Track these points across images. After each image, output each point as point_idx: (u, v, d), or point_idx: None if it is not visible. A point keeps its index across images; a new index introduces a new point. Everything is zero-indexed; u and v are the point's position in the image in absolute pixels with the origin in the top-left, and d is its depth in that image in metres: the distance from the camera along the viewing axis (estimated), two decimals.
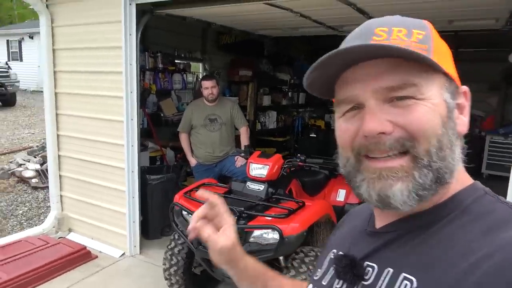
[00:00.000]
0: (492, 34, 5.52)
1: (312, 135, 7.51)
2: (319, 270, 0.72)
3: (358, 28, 0.61)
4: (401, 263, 0.56)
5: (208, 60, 5.73)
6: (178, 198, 2.88)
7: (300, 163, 3.06)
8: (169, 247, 3.00)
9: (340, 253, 0.67)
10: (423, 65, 0.54)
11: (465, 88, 0.61)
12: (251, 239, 2.53)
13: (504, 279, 0.45)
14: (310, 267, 2.55)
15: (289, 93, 7.25)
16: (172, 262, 2.95)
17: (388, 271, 0.57)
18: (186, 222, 2.80)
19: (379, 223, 0.64)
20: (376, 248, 0.61)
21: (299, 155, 3.10)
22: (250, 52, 6.03)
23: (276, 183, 2.92)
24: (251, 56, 6.18)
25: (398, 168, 0.54)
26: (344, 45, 0.57)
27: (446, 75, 0.57)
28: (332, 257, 0.70)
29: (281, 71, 6.85)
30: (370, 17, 3.88)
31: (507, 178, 2.42)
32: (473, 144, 7.12)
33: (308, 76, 0.60)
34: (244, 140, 3.91)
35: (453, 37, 6.24)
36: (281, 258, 2.61)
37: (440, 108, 0.55)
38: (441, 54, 0.57)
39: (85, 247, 3.76)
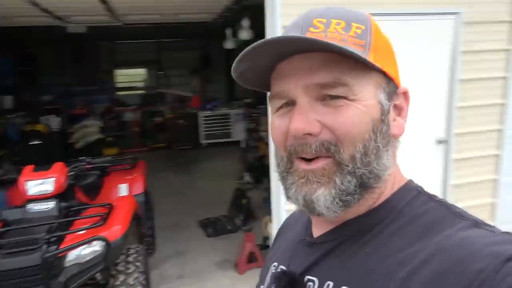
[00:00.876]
0: (191, 26, 6.49)
1: (36, 142, 6.50)
2: (261, 286, 0.69)
3: (299, 16, 0.57)
4: (341, 275, 0.54)
5: None
6: None
7: (88, 166, 2.78)
8: None
9: (281, 267, 0.65)
10: (358, 62, 0.51)
11: (404, 88, 0.58)
12: (68, 264, 2.18)
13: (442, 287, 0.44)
14: (138, 263, 2.51)
15: None
16: None
17: (329, 284, 0.55)
18: None
19: (316, 232, 0.62)
20: (315, 260, 0.59)
21: (83, 157, 2.80)
22: None
23: (65, 195, 2.56)
24: None
25: (321, 172, 0.53)
26: (284, 34, 0.54)
27: (384, 73, 0.54)
28: (273, 271, 0.67)
29: None
30: (112, 13, 3.79)
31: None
32: (189, 121, 8.36)
33: (235, 66, 0.55)
34: None
35: (157, 28, 6.88)
36: (97, 274, 2.40)
37: (372, 111, 0.53)
38: (380, 50, 0.54)
39: None
